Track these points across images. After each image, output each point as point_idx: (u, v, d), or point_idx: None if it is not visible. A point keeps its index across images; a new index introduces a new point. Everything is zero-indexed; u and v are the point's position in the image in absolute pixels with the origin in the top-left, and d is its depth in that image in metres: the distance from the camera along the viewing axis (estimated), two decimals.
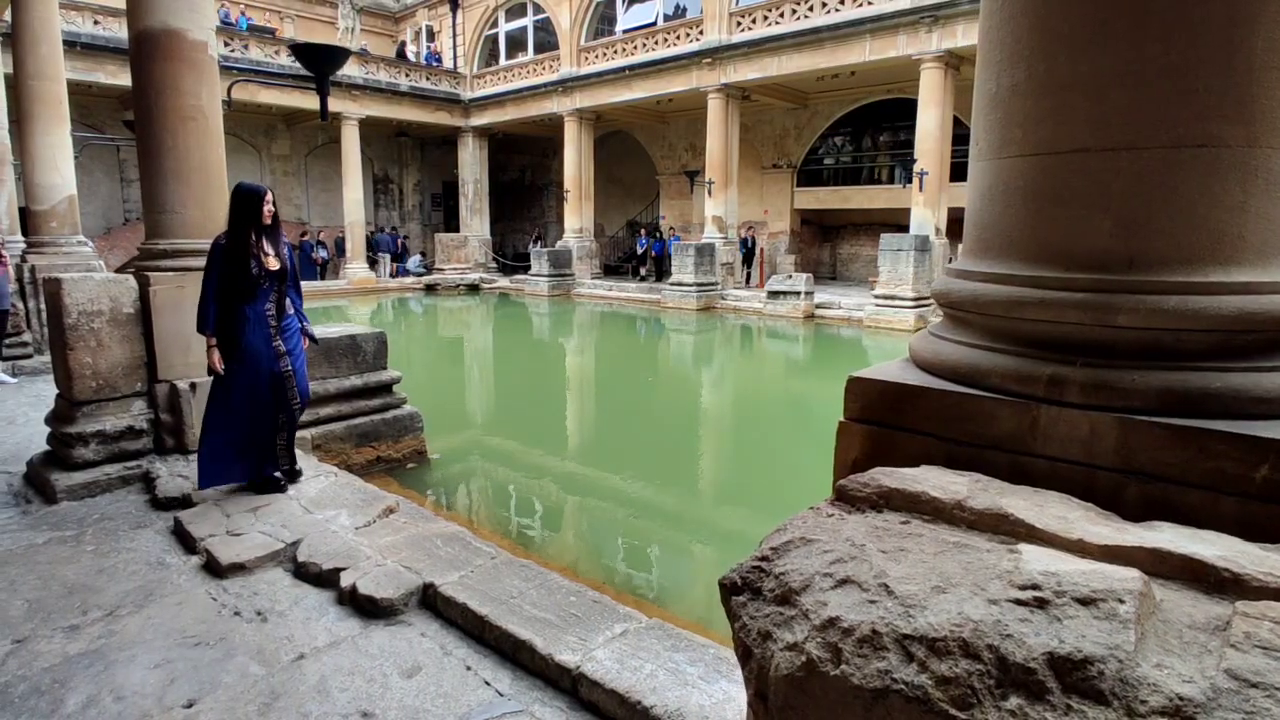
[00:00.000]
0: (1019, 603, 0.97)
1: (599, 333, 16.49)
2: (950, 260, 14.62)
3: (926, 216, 15.19)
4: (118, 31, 16.55)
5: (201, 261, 3.92)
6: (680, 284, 17.78)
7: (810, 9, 16.18)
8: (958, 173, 15.35)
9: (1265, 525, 1.10)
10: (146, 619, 2.80)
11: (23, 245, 9.24)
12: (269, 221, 3.77)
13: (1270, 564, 0.98)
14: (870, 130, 20.59)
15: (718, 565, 4.38)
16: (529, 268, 21.68)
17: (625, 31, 20.42)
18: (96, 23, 17.22)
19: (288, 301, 3.92)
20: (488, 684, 2.40)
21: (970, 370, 1.42)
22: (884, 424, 1.49)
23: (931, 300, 13.47)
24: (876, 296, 14.74)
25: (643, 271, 22.98)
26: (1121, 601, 0.93)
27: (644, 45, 19.74)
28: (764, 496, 6.02)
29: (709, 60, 17.82)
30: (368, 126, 22.42)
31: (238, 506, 3.77)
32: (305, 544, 3.31)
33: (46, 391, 6.13)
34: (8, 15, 8.88)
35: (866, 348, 13.26)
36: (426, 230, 27.70)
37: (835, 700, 1.04)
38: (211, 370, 3.73)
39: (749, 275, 20.20)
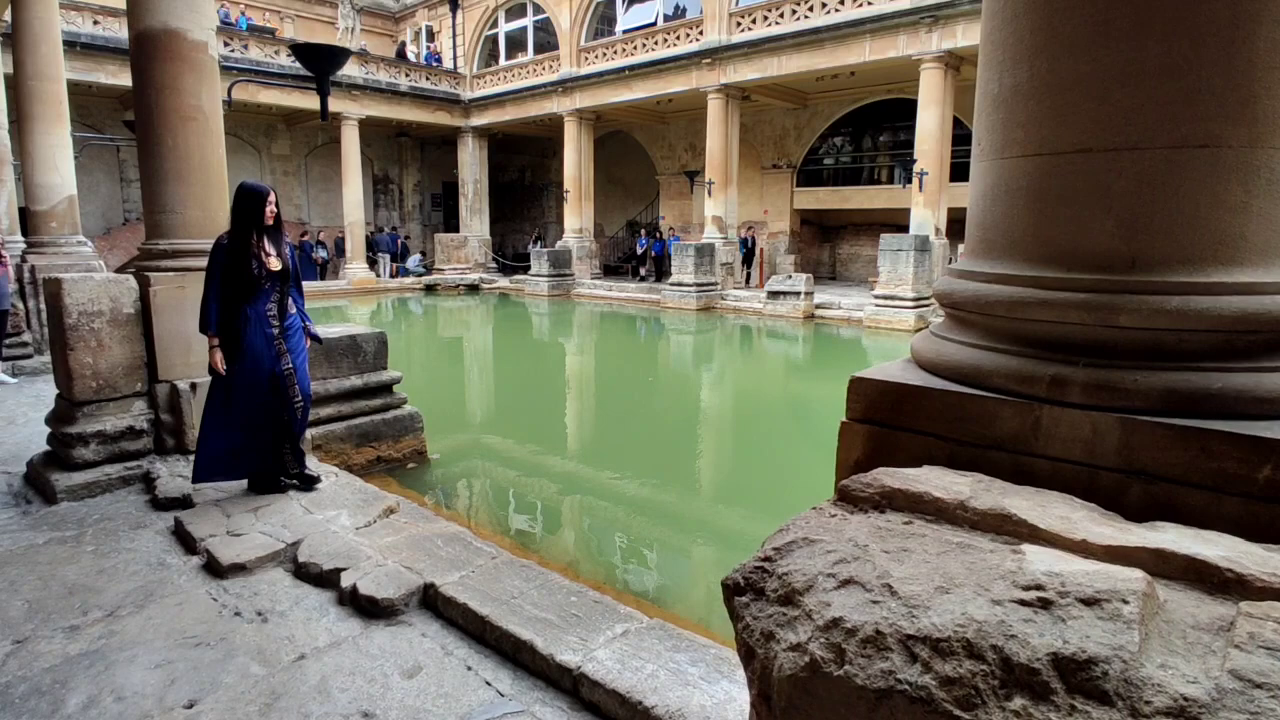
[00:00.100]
0: (1023, 603, 0.97)
1: (599, 333, 16.49)
2: (950, 260, 14.65)
3: (926, 217, 15.20)
4: (118, 31, 16.55)
5: (202, 262, 3.92)
6: (680, 284, 17.78)
7: (810, 9, 16.18)
8: (957, 173, 15.36)
9: (1268, 526, 1.10)
10: (147, 619, 2.80)
11: (23, 245, 9.22)
12: (271, 222, 3.78)
13: (1274, 564, 0.98)
14: (870, 130, 20.59)
15: (718, 565, 4.38)
16: (529, 268, 21.70)
17: (625, 32, 20.42)
18: (96, 23, 17.21)
19: (290, 301, 3.92)
20: (488, 684, 2.40)
21: (972, 370, 1.42)
22: (886, 424, 1.49)
23: (931, 300, 13.49)
24: (876, 297, 14.75)
25: (642, 272, 22.98)
26: (1125, 602, 0.93)
27: (644, 45, 19.74)
28: (764, 496, 6.02)
29: (709, 60, 17.82)
30: (368, 126, 22.42)
31: (238, 507, 3.77)
32: (306, 544, 3.31)
33: (46, 391, 6.12)
34: (8, 15, 8.87)
35: (866, 348, 13.26)
36: (426, 230, 27.71)
37: (839, 701, 1.04)
38: (213, 370, 3.73)
39: (749, 275, 20.21)
